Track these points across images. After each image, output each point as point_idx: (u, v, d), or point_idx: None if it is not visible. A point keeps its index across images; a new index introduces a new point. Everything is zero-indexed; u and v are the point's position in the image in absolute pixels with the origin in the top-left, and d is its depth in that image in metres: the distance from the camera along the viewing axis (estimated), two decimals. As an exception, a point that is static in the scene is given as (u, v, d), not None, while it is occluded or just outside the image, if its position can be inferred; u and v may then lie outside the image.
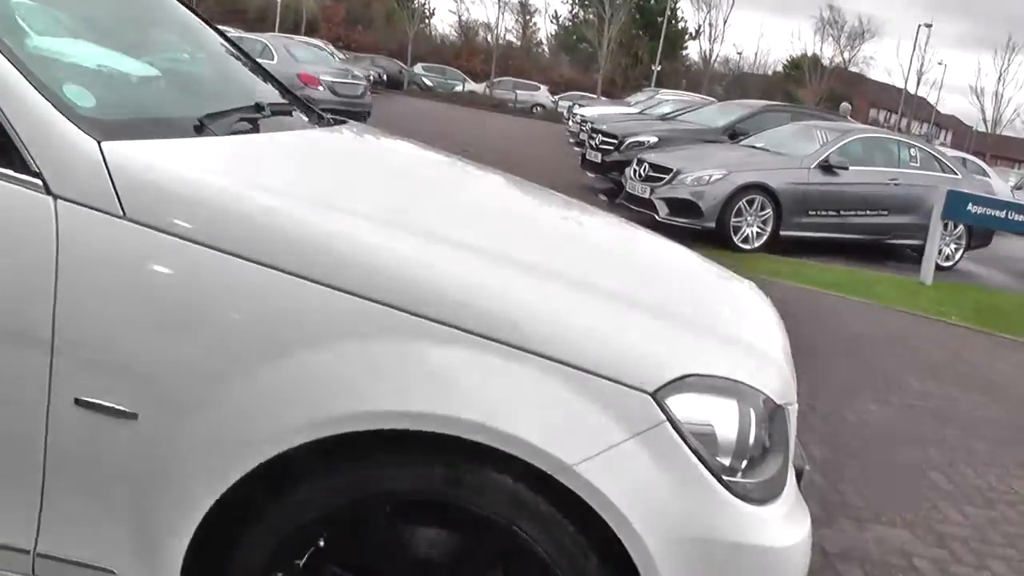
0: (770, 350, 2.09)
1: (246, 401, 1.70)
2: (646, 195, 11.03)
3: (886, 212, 11.74)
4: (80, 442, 1.76)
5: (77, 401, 1.74)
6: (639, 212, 11.16)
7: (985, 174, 18.85)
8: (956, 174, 12.46)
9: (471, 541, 1.78)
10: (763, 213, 10.88)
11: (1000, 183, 19.96)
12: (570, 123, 25.34)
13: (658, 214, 10.82)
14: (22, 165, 1.74)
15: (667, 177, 10.88)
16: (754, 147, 12.18)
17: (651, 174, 11.11)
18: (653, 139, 13.81)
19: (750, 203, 10.80)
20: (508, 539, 1.74)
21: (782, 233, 11.03)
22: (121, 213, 1.73)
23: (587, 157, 15.06)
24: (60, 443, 1.76)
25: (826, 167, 11.30)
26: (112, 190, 1.74)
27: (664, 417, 1.72)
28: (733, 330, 2.09)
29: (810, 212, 11.20)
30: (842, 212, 11.44)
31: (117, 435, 1.74)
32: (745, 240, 10.84)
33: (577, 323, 1.78)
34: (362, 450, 1.73)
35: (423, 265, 1.78)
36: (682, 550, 1.70)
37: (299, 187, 2.00)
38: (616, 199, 12.01)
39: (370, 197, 2.14)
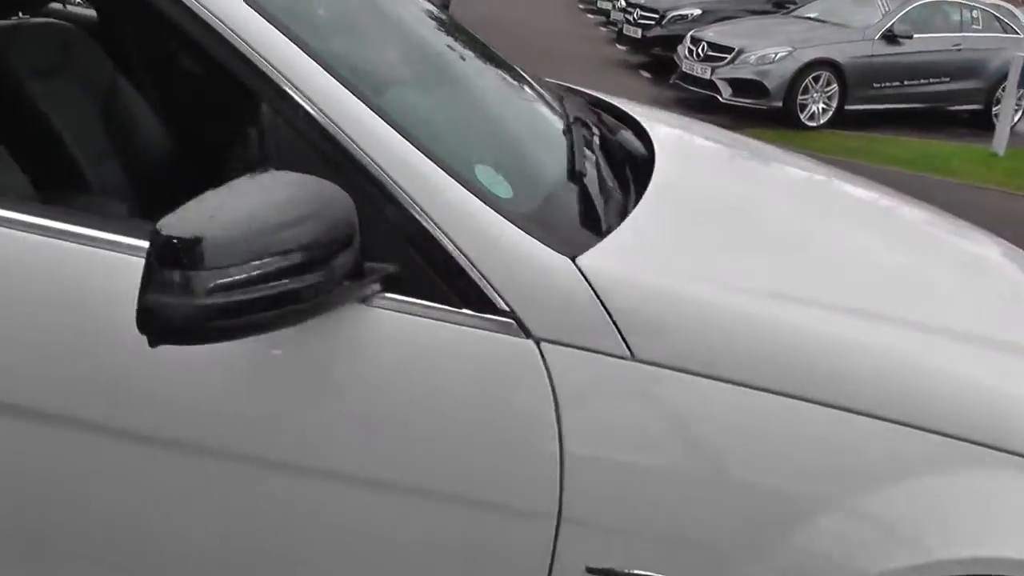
0: None
1: (798, 552, 1.45)
2: (706, 76, 10.76)
3: (948, 79, 11.45)
4: None
5: (590, 570, 1.46)
6: (697, 93, 10.94)
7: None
8: (1019, 33, 12.12)
9: None
10: (828, 89, 10.64)
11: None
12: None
13: (721, 96, 10.59)
14: (484, 302, 1.40)
15: (729, 57, 10.62)
16: (810, 19, 11.79)
17: (710, 54, 10.81)
18: (696, 11, 13.42)
19: (816, 80, 10.55)
20: None
21: (847, 107, 10.81)
22: (628, 354, 1.40)
23: (624, 32, 14.63)
24: None
25: (890, 37, 10.98)
26: (611, 324, 1.40)
27: None
28: None
29: (874, 84, 10.94)
30: (905, 82, 11.17)
31: None
32: (811, 117, 10.63)
33: None
34: None
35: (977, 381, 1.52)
36: None
37: (800, 286, 1.64)
38: (671, 79, 11.68)
39: (881, 286, 1.78)
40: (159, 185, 2.70)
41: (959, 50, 11.49)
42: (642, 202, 1.74)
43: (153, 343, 1.21)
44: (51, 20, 2.61)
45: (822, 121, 10.67)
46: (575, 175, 1.74)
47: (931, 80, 11.37)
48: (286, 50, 1.43)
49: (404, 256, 1.40)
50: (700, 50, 10.95)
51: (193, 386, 1.42)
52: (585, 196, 1.70)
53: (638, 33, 13.96)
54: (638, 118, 2.37)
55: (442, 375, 1.41)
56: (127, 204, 2.34)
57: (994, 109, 11.34)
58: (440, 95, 1.95)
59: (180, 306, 1.18)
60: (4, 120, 2.22)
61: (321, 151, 1.42)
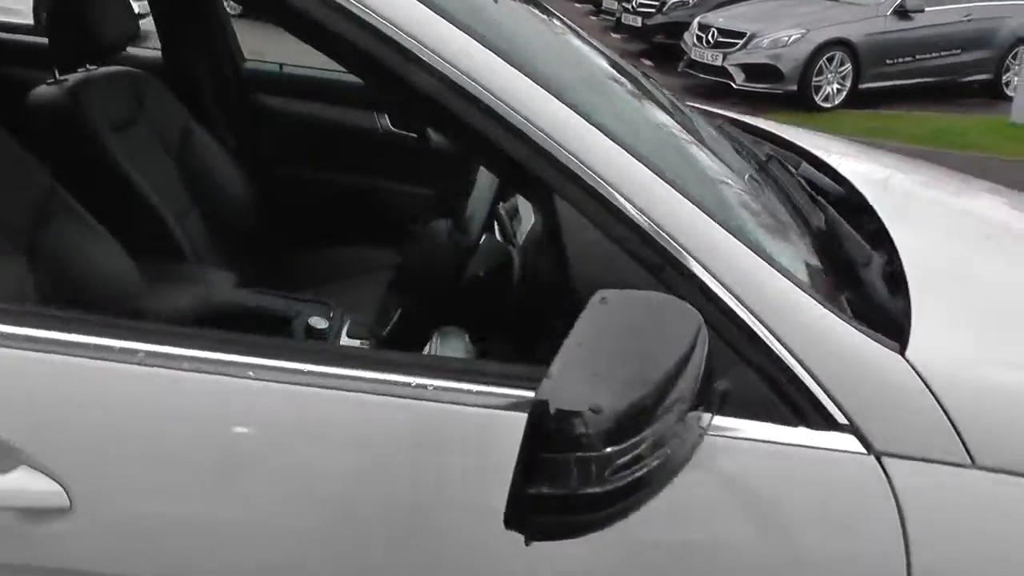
0: None
1: None
2: (718, 62, 10.60)
3: (959, 51, 11.25)
4: None
5: None
6: (708, 80, 10.77)
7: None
8: (1028, 0, 11.96)
9: None
10: (842, 69, 10.48)
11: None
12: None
13: (734, 82, 10.43)
14: (822, 415, 1.16)
15: (740, 42, 10.46)
16: (818, -3, 11.62)
17: (721, 40, 10.64)
18: (696, -4, 13.24)
19: (830, 60, 10.39)
20: None
21: (860, 86, 10.64)
22: (969, 461, 1.17)
23: (623, 21, 14.44)
24: None
25: (902, 12, 10.80)
26: (952, 429, 1.17)
27: None
28: None
29: (887, 61, 10.76)
30: (917, 56, 10.97)
31: None
32: (826, 99, 10.47)
33: None
34: None
35: None
36: None
37: None
38: (679, 67, 11.48)
39: None
40: (245, 240, 2.52)
41: (969, 20, 11.30)
42: (908, 271, 1.48)
43: (529, 541, 0.95)
44: (119, 68, 2.42)
45: (837, 102, 10.51)
46: (826, 239, 1.51)
47: (942, 53, 11.17)
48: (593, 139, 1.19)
49: (728, 368, 1.14)
50: (710, 36, 10.77)
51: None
52: (854, 265, 1.46)
53: (638, 21, 13.77)
54: (801, 144, 2.14)
55: (780, 507, 1.18)
56: (232, 274, 2.14)
57: (1004, 77, 11.30)
58: (707, 167, 1.64)
59: (573, 497, 0.92)
60: (89, 183, 2.03)
61: (644, 259, 1.16)
